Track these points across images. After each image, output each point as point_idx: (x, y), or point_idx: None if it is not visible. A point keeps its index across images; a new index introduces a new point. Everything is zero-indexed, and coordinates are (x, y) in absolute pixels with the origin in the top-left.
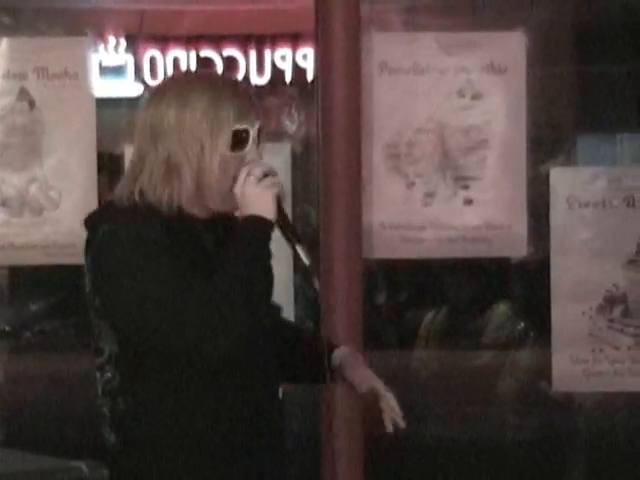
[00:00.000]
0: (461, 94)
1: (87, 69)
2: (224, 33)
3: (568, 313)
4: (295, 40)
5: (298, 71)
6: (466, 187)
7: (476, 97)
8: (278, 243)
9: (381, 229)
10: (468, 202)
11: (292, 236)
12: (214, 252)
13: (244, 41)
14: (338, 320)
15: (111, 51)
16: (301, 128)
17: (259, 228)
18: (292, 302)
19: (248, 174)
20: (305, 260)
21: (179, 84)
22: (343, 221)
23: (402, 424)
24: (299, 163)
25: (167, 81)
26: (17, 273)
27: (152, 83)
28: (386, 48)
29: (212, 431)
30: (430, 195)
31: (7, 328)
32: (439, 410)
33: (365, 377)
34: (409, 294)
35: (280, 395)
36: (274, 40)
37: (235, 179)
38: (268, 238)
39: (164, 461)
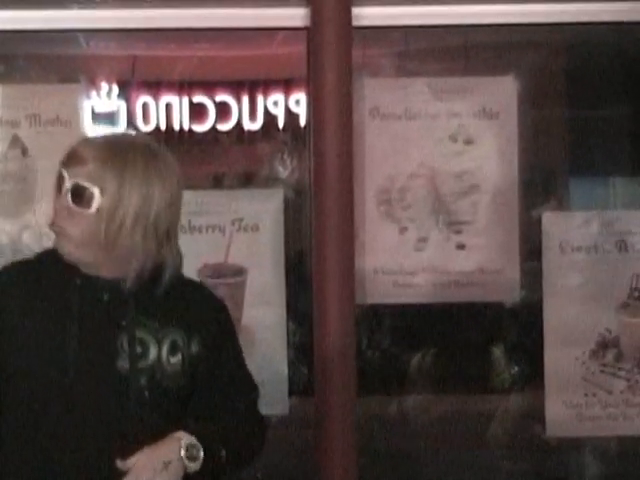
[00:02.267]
0: (453, 139)
1: (80, 116)
2: (216, 78)
3: (561, 357)
4: (288, 85)
5: (291, 116)
6: (459, 232)
7: (468, 142)
8: (271, 288)
9: (374, 274)
10: (461, 247)
11: None
12: (90, 309)
13: (236, 86)
14: (332, 366)
15: (104, 97)
16: (294, 173)
17: None
18: (285, 347)
19: None
20: None
21: None
22: (336, 266)
23: None
24: (292, 208)
25: None
26: None
27: (145, 129)
28: (378, 93)
29: None
30: (423, 240)
31: None
32: (431, 455)
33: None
34: (403, 339)
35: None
36: (267, 85)
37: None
38: None
39: None
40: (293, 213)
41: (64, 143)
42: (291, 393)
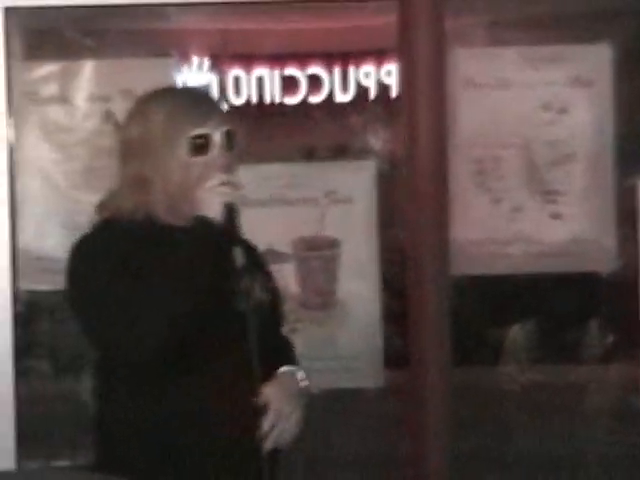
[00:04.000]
0: (547, 108)
1: None
2: (308, 51)
3: None
4: (379, 57)
5: (382, 88)
6: (553, 201)
7: (562, 111)
8: (365, 261)
9: (468, 245)
10: (555, 216)
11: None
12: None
13: (328, 59)
14: (426, 338)
15: (195, 71)
16: (386, 145)
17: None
18: (379, 319)
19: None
20: (239, 261)
21: (140, 102)
22: (430, 237)
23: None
24: (385, 181)
25: (136, 100)
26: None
27: (236, 102)
28: (471, 63)
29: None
30: (517, 210)
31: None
32: (525, 425)
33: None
34: (498, 309)
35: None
36: (358, 57)
37: (204, 181)
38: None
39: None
40: (386, 185)
41: None
42: (386, 365)
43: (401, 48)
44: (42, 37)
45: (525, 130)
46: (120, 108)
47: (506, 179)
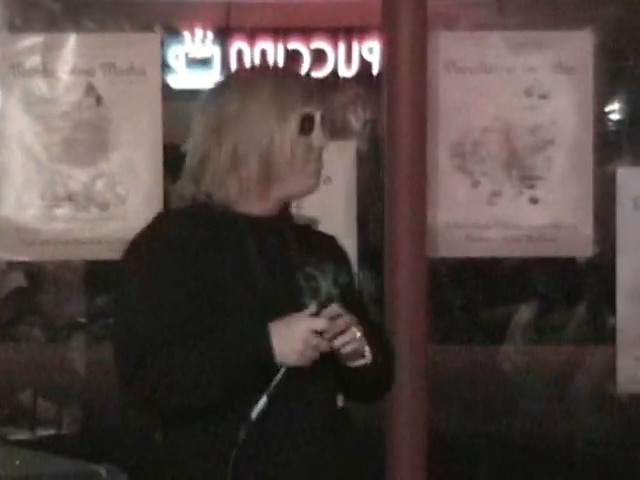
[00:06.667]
0: (528, 93)
1: (155, 65)
2: (312, 25)
3: (633, 314)
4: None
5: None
6: (532, 186)
7: (543, 96)
8: (343, 241)
9: (446, 228)
10: (534, 201)
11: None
12: (271, 249)
13: (333, 33)
14: (402, 319)
15: (198, 43)
16: (367, 125)
17: (254, 356)
18: None
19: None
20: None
21: (239, 77)
22: (408, 220)
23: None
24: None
25: (227, 77)
26: (84, 268)
27: None
28: (453, 46)
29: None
30: (496, 194)
31: (82, 320)
32: (497, 406)
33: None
34: (473, 293)
35: (339, 403)
36: (362, 32)
37: (304, 163)
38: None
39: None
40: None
41: (138, 92)
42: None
43: (383, 28)
44: (27, 9)
45: (506, 115)
46: (102, 82)
47: (486, 163)
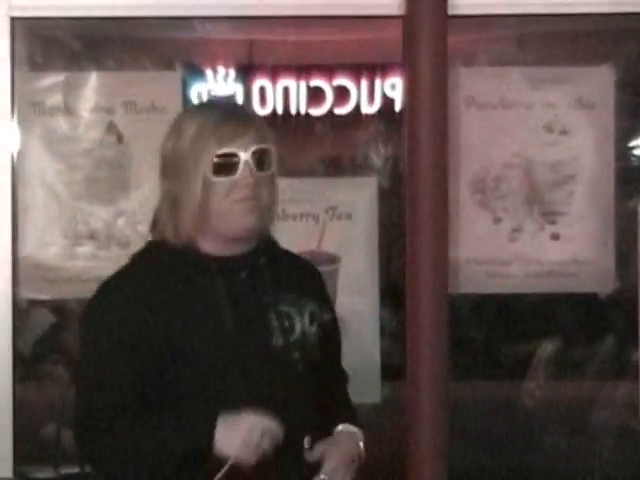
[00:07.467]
0: (549, 129)
1: (175, 103)
2: (334, 62)
3: None
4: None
5: (387, 101)
6: (553, 222)
7: (564, 132)
8: (364, 277)
9: (467, 264)
10: (555, 237)
11: None
12: (239, 289)
13: (355, 70)
14: (424, 355)
15: (220, 81)
16: (388, 161)
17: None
18: (378, 336)
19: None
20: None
21: (178, 117)
22: (429, 256)
23: None
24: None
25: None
26: None
27: (261, 112)
28: (473, 82)
29: None
30: (517, 230)
31: None
32: (526, 439)
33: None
34: (495, 329)
35: (306, 445)
36: (384, 69)
37: (231, 203)
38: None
39: None
40: (387, 201)
41: (159, 131)
42: (383, 381)
43: (404, 65)
44: (48, 47)
45: (526, 150)
46: (123, 120)
47: (507, 199)
